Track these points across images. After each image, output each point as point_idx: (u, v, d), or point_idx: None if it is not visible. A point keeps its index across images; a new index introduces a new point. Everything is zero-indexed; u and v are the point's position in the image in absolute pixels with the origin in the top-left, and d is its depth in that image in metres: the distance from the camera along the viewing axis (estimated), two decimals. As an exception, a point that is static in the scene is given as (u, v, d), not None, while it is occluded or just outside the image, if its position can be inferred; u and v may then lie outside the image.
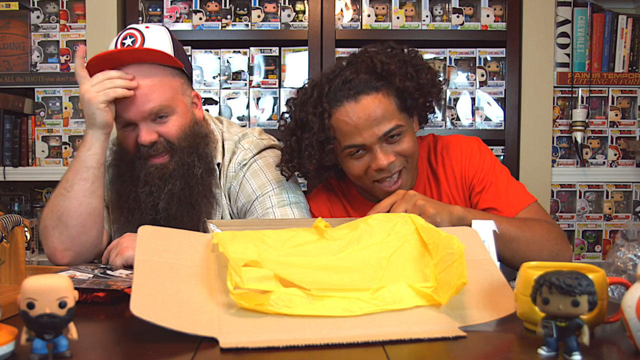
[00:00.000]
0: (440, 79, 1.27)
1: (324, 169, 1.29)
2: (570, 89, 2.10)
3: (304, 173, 1.29)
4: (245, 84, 2.11)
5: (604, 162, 2.13)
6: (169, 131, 1.24)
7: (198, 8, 2.10)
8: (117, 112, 1.24)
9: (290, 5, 2.09)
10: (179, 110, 1.26)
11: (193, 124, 1.30)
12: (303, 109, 1.23)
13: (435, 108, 1.32)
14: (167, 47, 1.25)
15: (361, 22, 2.09)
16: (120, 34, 1.24)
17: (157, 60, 1.23)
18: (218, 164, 1.33)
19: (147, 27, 1.25)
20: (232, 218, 1.34)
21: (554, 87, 2.08)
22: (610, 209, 2.13)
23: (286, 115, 1.30)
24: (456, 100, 2.09)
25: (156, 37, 1.24)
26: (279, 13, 2.09)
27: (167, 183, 1.24)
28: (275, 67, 2.11)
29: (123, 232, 1.29)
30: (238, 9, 2.10)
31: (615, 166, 2.12)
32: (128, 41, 1.22)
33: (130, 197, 1.27)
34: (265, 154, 1.35)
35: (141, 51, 1.21)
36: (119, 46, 1.22)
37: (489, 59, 2.10)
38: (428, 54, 2.10)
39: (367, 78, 1.18)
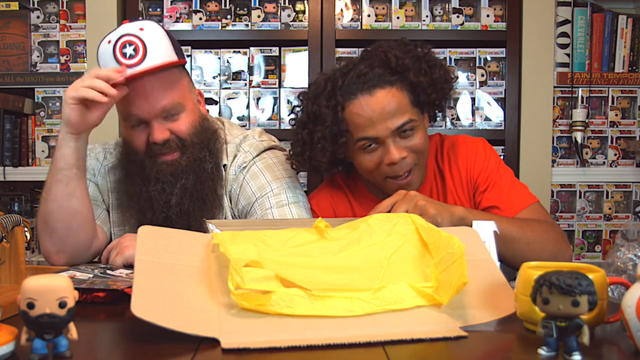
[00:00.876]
0: (452, 76, 1.28)
1: (336, 163, 1.29)
2: (570, 89, 2.10)
3: (315, 166, 1.28)
4: (245, 84, 2.11)
5: (604, 162, 2.13)
6: (180, 128, 1.24)
7: (198, 8, 2.10)
8: (128, 111, 1.22)
9: (290, 5, 2.09)
10: (189, 107, 1.27)
11: (202, 120, 1.31)
12: (316, 102, 1.23)
13: (444, 106, 1.32)
14: (168, 48, 1.23)
15: (361, 22, 2.09)
16: (117, 41, 1.18)
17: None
18: (224, 166, 1.33)
19: (141, 29, 1.20)
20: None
21: (554, 87, 2.08)
22: (610, 209, 2.13)
23: (297, 109, 1.30)
24: (456, 100, 2.09)
25: (156, 40, 1.21)
26: (279, 13, 2.09)
27: (180, 178, 1.24)
28: (275, 67, 2.11)
29: (126, 228, 1.29)
30: (238, 9, 2.10)
31: (615, 166, 2.12)
32: (129, 50, 1.17)
33: (142, 197, 1.26)
34: (264, 155, 1.35)
35: (151, 71, 1.18)
36: (119, 57, 1.17)
37: (489, 59, 2.10)
38: (428, 54, 2.10)
39: (382, 72, 1.19)
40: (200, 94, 1.37)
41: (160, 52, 1.20)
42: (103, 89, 1.12)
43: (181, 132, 1.24)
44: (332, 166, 1.32)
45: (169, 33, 1.27)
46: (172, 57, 1.23)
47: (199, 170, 1.26)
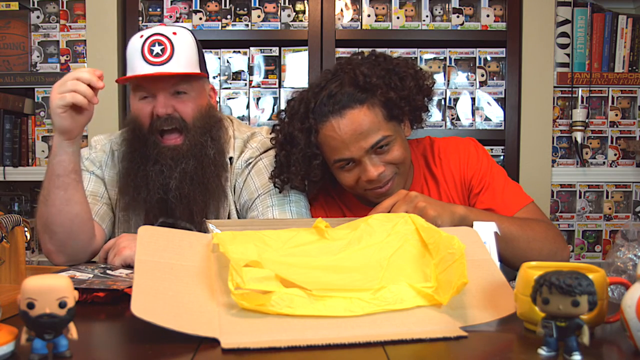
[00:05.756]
0: (428, 82, 1.26)
1: (312, 183, 1.29)
2: (570, 89, 2.10)
3: (294, 187, 1.29)
4: (245, 84, 2.11)
5: (604, 162, 2.13)
6: (184, 109, 1.26)
7: (198, 8, 2.10)
8: (137, 83, 1.25)
9: (290, 5, 2.09)
10: (197, 90, 1.29)
11: (208, 107, 1.33)
12: (291, 123, 1.23)
13: (429, 107, 1.31)
14: (193, 58, 1.26)
15: (361, 22, 2.09)
16: (148, 38, 1.22)
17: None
18: (231, 159, 1.34)
19: (174, 33, 1.24)
20: (237, 213, 1.35)
21: (554, 87, 2.08)
22: (610, 209, 2.13)
23: (278, 127, 1.30)
24: (456, 100, 2.09)
25: (184, 46, 1.24)
26: (279, 13, 2.09)
27: (180, 163, 1.25)
28: (275, 67, 2.11)
29: (129, 211, 1.30)
30: (238, 9, 2.10)
31: (615, 166, 2.12)
32: (157, 49, 1.21)
33: (138, 174, 1.26)
34: (271, 152, 1.36)
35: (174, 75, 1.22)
36: (146, 53, 1.21)
37: (489, 59, 2.10)
38: (428, 54, 2.10)
39: (351, 91, 1.18)
40: (213, 90, 1.39)
41: (185, 60, 1.24)
42: (87, 95, 1.09)
43: (185, 112, 1.26)
44: (311, 186, 1.31)
45: (199, 45, 1.30)
46: (194, 68, 1.27)
47: (201, 155, 1.27)
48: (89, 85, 1.09)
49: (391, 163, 1.20)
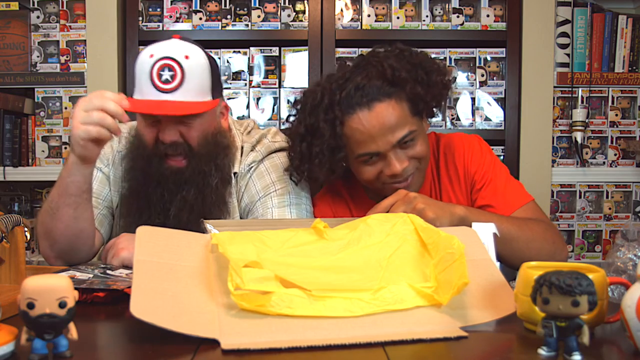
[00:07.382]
0: (450, 78, 1.25)
1: (333, 175, 1.29)
2: (570, 89, 2.10)
3: (313, 179, 1.28)
4: (245, 84, 2.11)
5: (604, 162, 2.13)
6: (191, 134, 1.21)
7: (198, 8, 2.10)
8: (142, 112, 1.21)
9: (290, 5, 2.09)
10: (206, 116, 1.23)
11: (217, 132, 1.27)
12: (313, 114, 1.21)
13: (444, 104, 1.31)
14: (205, 85, 1.21)
15: (361, 22, 2.09)
16: (158, 61, 1.16)
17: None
18: (235, 173, 1.32)
19: (187, 56, 1.18)
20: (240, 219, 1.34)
21: (554, 87, 2.08)
22: (610, 209, 2.13)
23: (292, 118, 1.28)
24: (456, 100, 2.09)
25: (196, 71, 1.19)
26: (279, 13, 2.09)
27: (181, 189, 1.22)
28: (275, 67, 2.11)
29: (130, 230, 1.28)
30: (238, 9, 2.10)
31: (615, 166, 2.12)
32: (166, 74, 1.15)
33: (140, 195, 1.25)
34: (273, 155, 1.35)
35: (183, 107, 1.16)
36: (155, 77, 1.15)
37: (489, 59, 2.10)
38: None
39: (379, 84, 1.17)
40: (226, 108, 1.34)
41: (195, 88, 1.18)
42: (113, 128, 1.07)
43: (191, 138, 1.21)
44: (331, 178, 1.31)
45: (213, 65, 1.25)
46: (205, 96, 1.21)
47: (203, 185, 1.24)
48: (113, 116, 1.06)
49: (414, 158, 1.20)
